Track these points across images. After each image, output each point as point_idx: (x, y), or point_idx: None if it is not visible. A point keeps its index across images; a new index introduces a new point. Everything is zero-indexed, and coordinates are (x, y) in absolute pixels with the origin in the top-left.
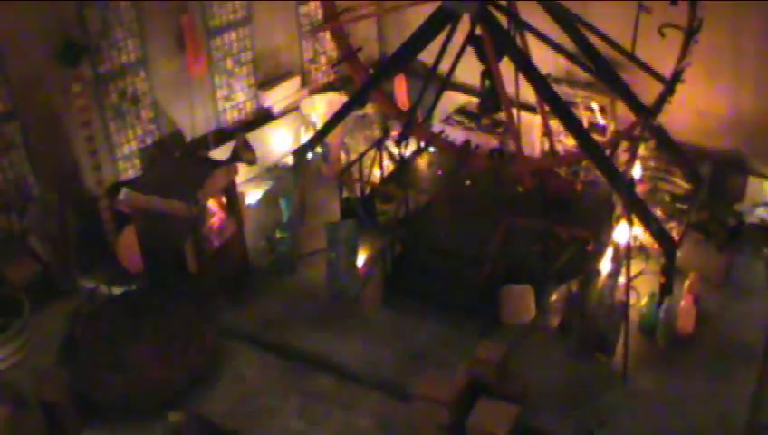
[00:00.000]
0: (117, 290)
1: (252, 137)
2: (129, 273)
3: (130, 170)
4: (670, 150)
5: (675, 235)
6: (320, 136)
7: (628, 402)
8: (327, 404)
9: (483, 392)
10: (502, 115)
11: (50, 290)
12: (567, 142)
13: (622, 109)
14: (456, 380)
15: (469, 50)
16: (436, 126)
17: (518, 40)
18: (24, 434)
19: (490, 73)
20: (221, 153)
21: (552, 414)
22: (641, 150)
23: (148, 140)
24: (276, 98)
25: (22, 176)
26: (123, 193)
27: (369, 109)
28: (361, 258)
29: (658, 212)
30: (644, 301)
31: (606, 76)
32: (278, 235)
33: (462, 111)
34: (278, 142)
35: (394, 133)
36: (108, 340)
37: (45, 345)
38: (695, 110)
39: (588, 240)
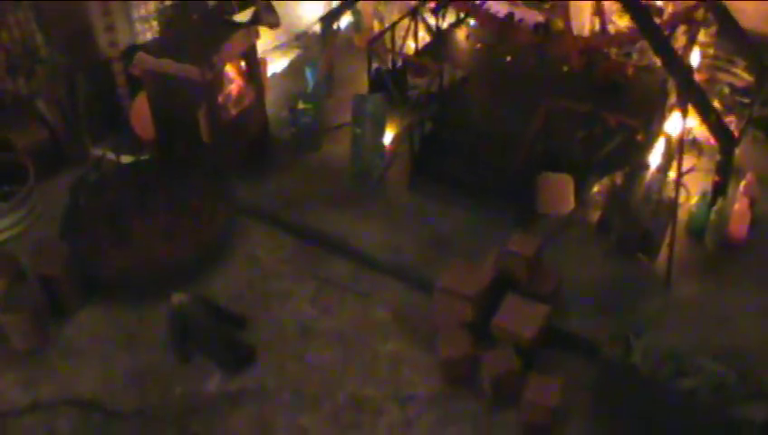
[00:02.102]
0: (125, 159)
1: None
2: (142, 142)
3: (148, 33)
4: (734, 37)
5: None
6: (351, 2)
7: (670, 311)
8: (342, 291)
9: (511, 289)
10: None
11: (58, 158)
12: (619, 23)
13: None
14: (483, 273)
15: None
16: None
17: None
18: (20, 308)
19: None
20: (245, 17)
21: (584, 318)
22: (701, 36)
23: (167, 1)
24: None
25: (29, 36)
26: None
27: None
28: (389, 136)
29: (716, 105)
30: (694, 200)
31: None
32: (301, 106)
33: None
34: (307, 8)
35: (431, 2)
36: (112, 212)
37: (50, 216)
38: None
39: (637, 130)
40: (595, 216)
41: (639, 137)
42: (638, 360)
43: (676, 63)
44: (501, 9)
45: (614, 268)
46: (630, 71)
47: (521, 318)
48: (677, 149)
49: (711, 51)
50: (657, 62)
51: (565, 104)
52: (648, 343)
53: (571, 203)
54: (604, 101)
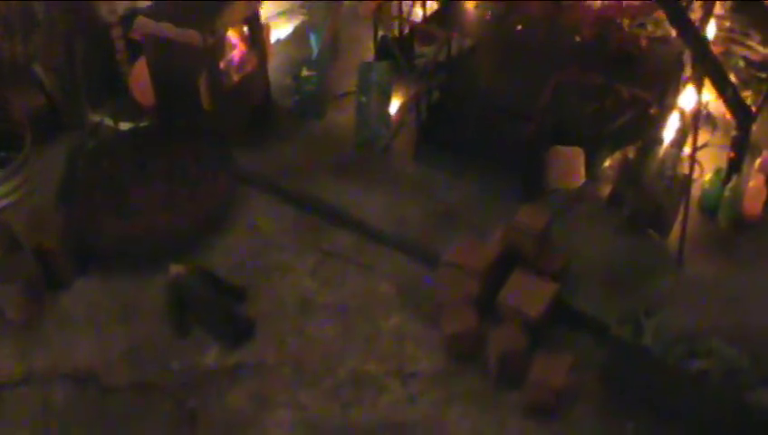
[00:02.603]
0: (124, 126)
1: None
2: (142, 108)
3: None
4: (751, 10)
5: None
6: None
7: (681, 291)
8: (344, 264)
9: (518, 265)
10: None
11: (55, 124)
12: None
13: None
14: (490, 247)
15: None
16: None
17: None
18: (14, 279)
19: None
20: None
21: (593, 296)
22: (717, 8)
23: None
24: None
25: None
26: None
27: None
28: (395, 104)
29: (732, 78)
30: (708, 177)
31: None
32: (305, 73)
33: None
34: None
35: None
36: (110, 180)
37: (46, 185)
38: None
39: (651, 103)
40: (606, 190)
41: (653, 111)
42: (648, 341)
43: (692, 35)
44: None
45: (624, 245)
46: (644, 42)
47: (528, 295)
48: (692, 123)
49: (727, 23)
50: (672, 33)
51: (577, 76)
52: (660, 324)
53: (581, 177)
54: (617, 73)
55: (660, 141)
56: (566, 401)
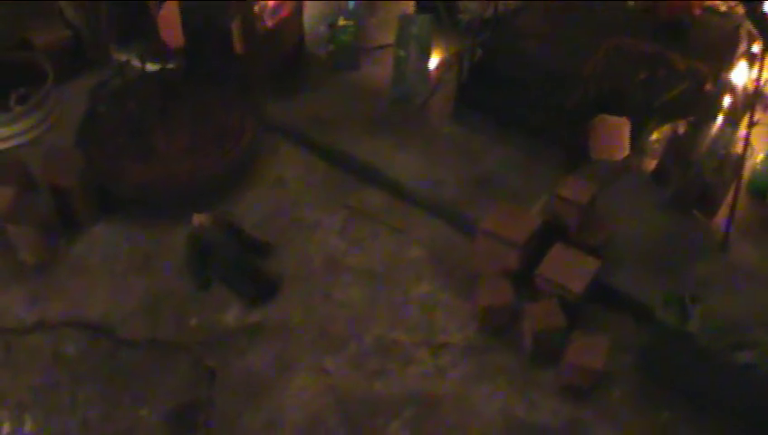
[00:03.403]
0: (151, 67)
1: None
2: (170, 49)
3: None
4: None
5: None
6: None
7: (726, 276)
8: (375, 225)
9: (559, 237)
10: None
11: (79, 60)
12: None
13: None
14: (531, 218)
15: None
16: None
17: None
18: (29, 219)
19: None
20: None
21: (634, 276)
22: None
23: None
24: None
25: None
26: None
27: None
28: (434, 61)
29: None
30: (759, 158)
31: None
32: (341, 22)
33: None
34: None
35: None
36: (133, 122)
37: (66, 123)
38: None
39: (706, 76)
40: (651, 165)
41: (708, 85)
42: (694, 328)
43: (755, 8)
44: None
45: (667, 224)
46: (697, 11)
47: (569, 270)
48: (749, 101)
49: None
50: (726, 4)
51: (628, 43)
52: (706, 311)
53: (626, 149)
54: (670, 42)
55: (714, 118)
56: (601, 384)
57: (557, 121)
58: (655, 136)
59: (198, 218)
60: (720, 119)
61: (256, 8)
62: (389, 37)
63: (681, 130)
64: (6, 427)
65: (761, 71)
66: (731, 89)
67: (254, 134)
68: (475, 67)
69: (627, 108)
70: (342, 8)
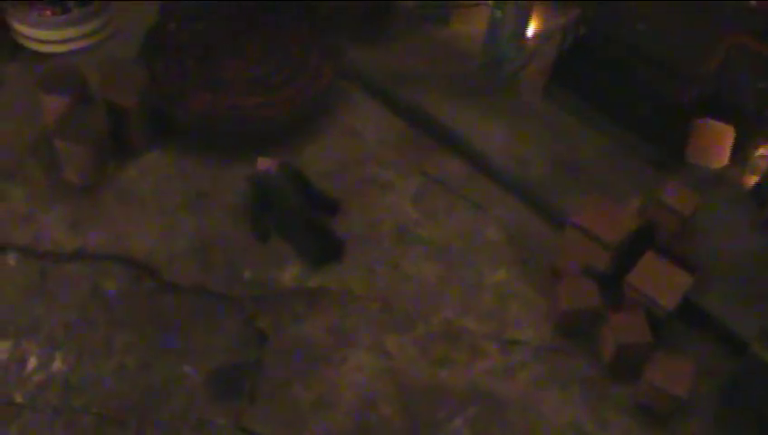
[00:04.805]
0: None
1: None
2: None
3: None
4: None
5: None
6: None
7: None
8: (452, 196)
9: (649, 245)
10: None
11: None
12: None
13: None
14: (627, 218)
15: None
16: None
17: None
18: (80, 137)
19: None
20: None
21: (726, 299)
22: None
23: None
24: None
25: None
26: None
27: None
28: (533, 28)
29: None
30: None
31: None
32: None
33: None
34: None
35: None
36: (202, 46)
37: (131, 34)
38: None
39: None
40: (751, 181)
41: None
42: None
43: None
44: None
45: (764, 247)
46: None
47: (660, 283)
48: None
49: None
50: None
51: (754, 44)
52: None
53: (725, 158)
54: None
55: None
56: (682, 410)
57: (665, 116)
58: (760, 151)
59: (264, 162)
60: None
61: None
62: None
63: None
64: (33, 361)
65: None
66: None
67: (329, 80)
68: (576, 44)
69: (736, 115)
70: None
